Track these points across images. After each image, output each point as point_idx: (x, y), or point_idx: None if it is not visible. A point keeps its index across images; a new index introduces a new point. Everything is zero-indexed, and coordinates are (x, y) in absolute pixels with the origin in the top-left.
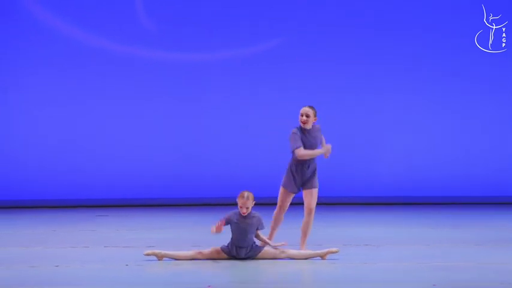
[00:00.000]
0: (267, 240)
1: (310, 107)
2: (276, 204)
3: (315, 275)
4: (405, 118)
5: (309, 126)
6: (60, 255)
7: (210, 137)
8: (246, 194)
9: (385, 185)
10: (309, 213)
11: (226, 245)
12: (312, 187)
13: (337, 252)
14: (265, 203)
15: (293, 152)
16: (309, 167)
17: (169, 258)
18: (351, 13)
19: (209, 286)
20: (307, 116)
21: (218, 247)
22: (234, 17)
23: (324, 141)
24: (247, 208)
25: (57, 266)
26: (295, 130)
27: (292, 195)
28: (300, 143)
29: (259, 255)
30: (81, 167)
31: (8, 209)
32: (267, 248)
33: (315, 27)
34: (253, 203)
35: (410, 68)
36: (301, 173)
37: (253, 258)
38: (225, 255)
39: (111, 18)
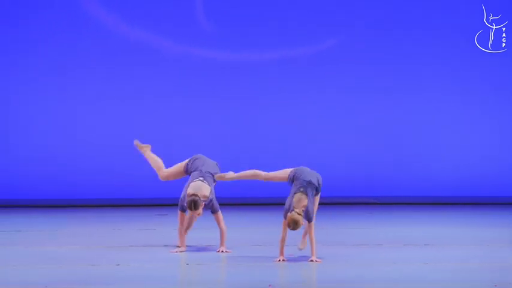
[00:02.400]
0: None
1: None
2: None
3: (374, 275)
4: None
5: None
6: (121, 254)
7: (269, 134)
8: None
9: (445, 185)
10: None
11: None
12: None
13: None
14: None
15: None
16: None
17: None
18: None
19: (270, 286)
20: None
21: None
22: (290, 17)
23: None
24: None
25: (118, 265)
26: None
27: None
28: None
29: None
30: (143, 167)
31: (69, 207)
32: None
33: (376, 28)
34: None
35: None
36: None
37: None
38: None
39: (168, 17)
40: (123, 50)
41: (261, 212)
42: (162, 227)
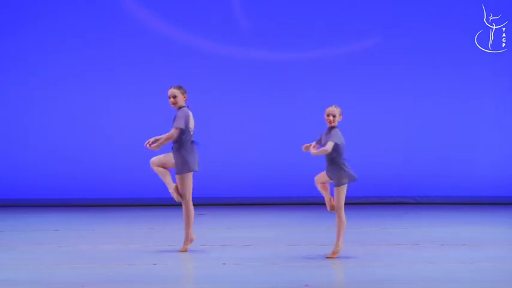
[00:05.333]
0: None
1: (177, 87)
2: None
3: (412, 275)
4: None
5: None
6: (158, 253)
7: (305, 132)
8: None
9: (483, 185)
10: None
11: None
12: None
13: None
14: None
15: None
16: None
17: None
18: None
19: (307, 285)
20: (175, 97)
21: None
22: (326, 15)
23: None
24: (334, 116)
25: (155, 265)
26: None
27: None
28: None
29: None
30: None
31: (105, 207)
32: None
33: (410, 29)
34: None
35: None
36: (195, 152)
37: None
38: None
39: (206, 16)
40: (149, 45)
41: (297, 212)
42: (199, 227)
